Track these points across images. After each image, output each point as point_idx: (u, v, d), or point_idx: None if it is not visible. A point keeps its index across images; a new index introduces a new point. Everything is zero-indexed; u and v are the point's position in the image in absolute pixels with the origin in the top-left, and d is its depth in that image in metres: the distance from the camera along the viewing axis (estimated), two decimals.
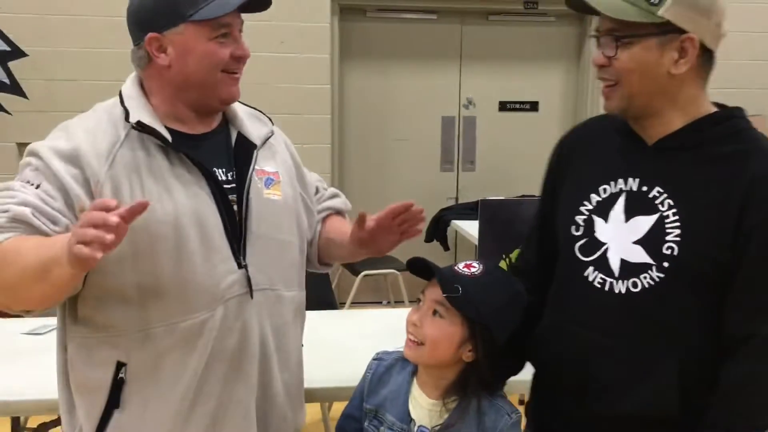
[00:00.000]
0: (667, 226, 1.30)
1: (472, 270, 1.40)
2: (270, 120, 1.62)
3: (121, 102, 1.42)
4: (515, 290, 1.43)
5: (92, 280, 1.36)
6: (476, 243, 3.09)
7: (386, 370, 1.48)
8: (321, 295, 3.23)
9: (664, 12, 1.25)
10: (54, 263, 1.21)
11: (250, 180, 1.47)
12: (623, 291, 1.33)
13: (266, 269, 1.47)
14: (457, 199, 5.34)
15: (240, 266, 1.43)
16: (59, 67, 4.53)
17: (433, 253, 5.03)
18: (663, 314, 1.30)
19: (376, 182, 5.28)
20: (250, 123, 1.55)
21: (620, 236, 1.35)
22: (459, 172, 5.38)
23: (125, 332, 1.38)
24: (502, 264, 2.36)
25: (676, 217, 1.29)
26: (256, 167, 1.49)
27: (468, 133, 5.34)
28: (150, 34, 1.38)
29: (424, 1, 5.02)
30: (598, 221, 1.38)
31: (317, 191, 1.72)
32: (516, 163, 5.27)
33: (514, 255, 2.37)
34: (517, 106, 5.30)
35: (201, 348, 1.39)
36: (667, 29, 1.26)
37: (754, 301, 1.26)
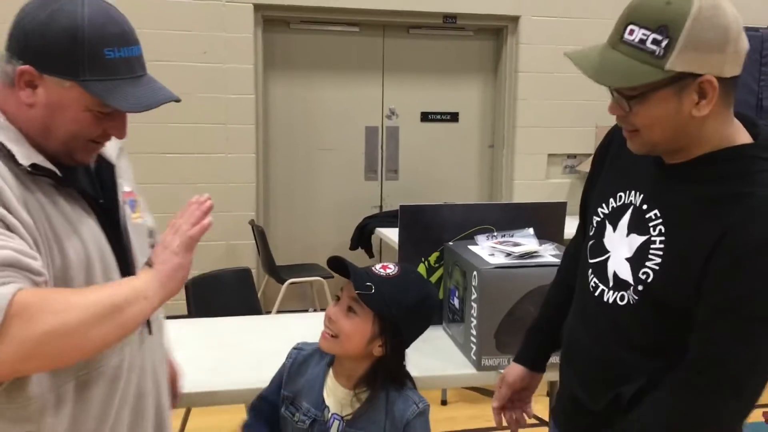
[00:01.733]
0: (650, 250, 1.27)
1: (388, 271, 1.48)
2: None
3: None
4: (427, 292, 1.52)
5: None
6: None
7: (305, 360, 1.56)
8: (246, 302, 3.25)
9: (671, 65, 1.13)
10: (132, 299, 1.14)
11: (122, 207, 1.36)
12: (610, 301, 1.33)
13: None
14: (381, 207, 5.44)
15: None
16: None
17: (358, 261, 5.09)
18: (636, 333, 1.30)
19: (301, 191, 5.32)
20: None
21: (619, 249, 1.33)
22: (383, 180, 5.48)
23: (36, 395, 1.20)
24: (421, 267, 2.46)
25: (662, 245, 1.25)
26: (122, 190, 1.37)
27: (391, 143, 5.46)
28: (25, 67, 1.17)
29: (347, 14, 5.11)
30: (608, 228, 1.37)
31: None
32: (438, 171, 5.42)
33: (432, 258, 2.47)
34: (438, 116, 5.45)
35: (114, 395, 1.29)
36: (681, 77, 1.15)
37: (698, 343, 1.22)
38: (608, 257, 1.35)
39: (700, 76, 1.14)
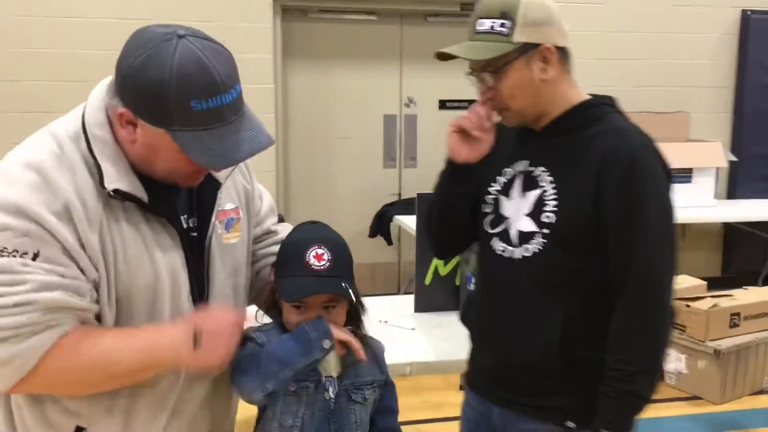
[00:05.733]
0: (546, 199, 1.52)
1: (323, 261, 1.42)
2: None
3: (88, 144, 1.22)
4: (343, 240, 1.48)
5: None
6: None
7: (272, 338, 1.45)
8: None
9: (517, 38, 1.47)
10: (158, 367, 1.24)
11: (213, 227, 1.36)
12: (520, 257, 1.54)
13: None
14: (399, 195, 5.46)
15: None
16: (23, 68, 4.48)
17: (377, 248, 5.14)
18: (548, 274, 1.51)
19: (320, 180, 5.36)
20: None
21: (518, 211, 1.56)
22: (401, 168, 5.51)
23: (88, 403, 1.28)
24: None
25: (554, 191, 1.51)
26: (218, 209, 1.37)
27: (409, 131, 5.47)
28: (125, 110, 1.19)
29: (365, 2, 5.12)
30: (502, 199, 1.60)
31: (265, 216, 1.63)
32: None
33: None
34: (456, 104, 5.46)
35: (164, 411, 1.34)
36: (526, 48, 1.48)
37: (621, 257, 1.45)
38: (509, 222, 1.57)
39: (539, 45, 1.48)
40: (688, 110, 5.50)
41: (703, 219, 5.19)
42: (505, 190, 1.60)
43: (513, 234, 1.56)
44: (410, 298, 2.80)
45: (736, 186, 5.64)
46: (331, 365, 1.48)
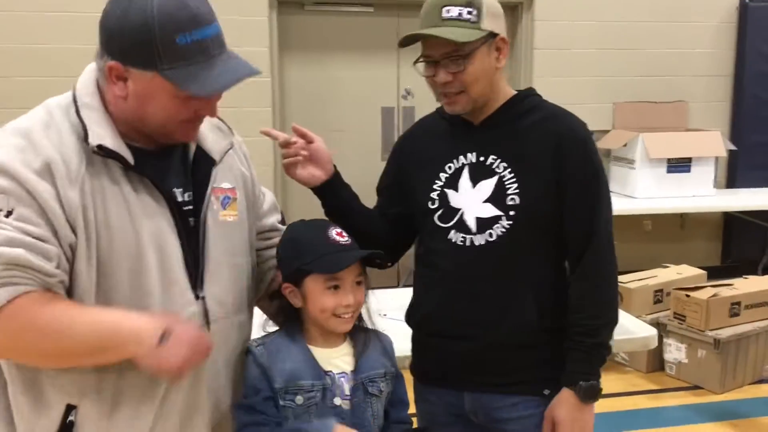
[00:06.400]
0: (506, 183, 1.61)
1: (345, 237, 1.50)
2: (231, 130, 1.53)
3: (77, 111, 1.27)
4: None
5: None
6: None
7: (277, 350, 1.47)
8: None
9: (485, 26, 1.56)
10: (116, 350, 1.20)
11: (208, 201, 1.38)
12: (483, 242, 1.62)
13: (223, 298, 1.40)
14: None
15: (197, 297, 1.35)
16: (16, 65, 4.46)
17: None
18: (516, 254, 1.61)
19: None
20: (210, 135, 1.44)
21: (471, 200, 1.64)
22: None
23: (77, 375, 1.27)
24: None
25: (512, 176, 1.61)
26: (214, 185, 1.40)
27: (407, 123, 5.42)
28: (113, 63, 1.24)
29: None
30: (450, 192, 1.67)
31: (269, 214, 1.67)
32: None
33: None
34: None
35: (159, 383, 1.31)
36: (489, 36, 1.58)
37: (587, 211, 1.61)
38: (462, 213, 1.64)
39: (497, 35, 1.59)
40: (687, 99, 5.49)
41: (703, 208, 5.20)
42: (451, 184, 1.66)
43: (470, 222, 1.63)
44: (409, 291, 2.78)
45: (735, 175, 5.63)
46: (338, 362, 1.50)
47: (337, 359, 1.50)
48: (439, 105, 1.71)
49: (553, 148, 1.60)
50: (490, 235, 1.61)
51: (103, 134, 1.25)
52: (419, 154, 1.74)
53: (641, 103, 5.39)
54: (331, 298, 1.45)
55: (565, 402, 1.60)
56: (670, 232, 5.59)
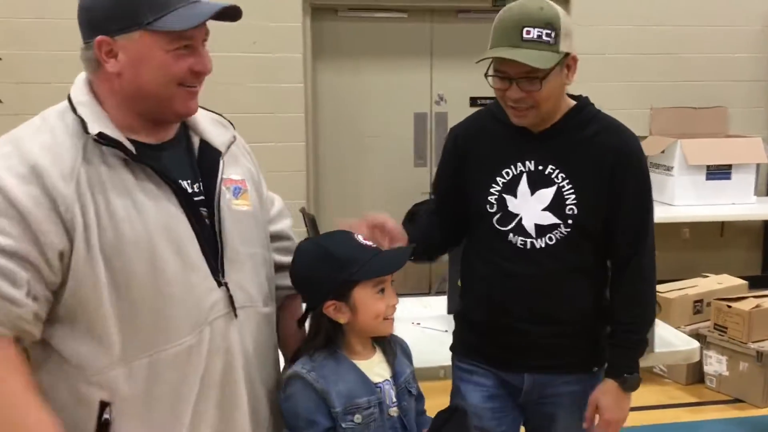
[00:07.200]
0: (564, 194, 1.72)
1: (371, 241, 1.51)
2: (231, 124, 1.52)
3: (73, 109, 1.28)
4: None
5: (80, 318, 1.25)
6: None
7: (325, 374, 1.44)
8: None
9: (562, 48, 1.63)
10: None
11: (220, 191, 1.37)
12: (543, 245, 1.74)
13: (246, 286, 1.39)
14: (430, 194, 5.41)
15: (220, 284, 1.33)
16: (31, 70, 4.53)
17: None
18: (572, 254, 1.75)
19: (350, 179, 5.33)
20: (212, 128, 1.44)
21: (530, 207, 1.74)
22: (432, 167, 5.46)
23: (105, 370, 1.26)
24: None
25: (570, 187, 1.72)
26: (223, 176, 1.39)
27: (440, 129, 5.42)
28: (100, 37, 1.24)
29: (394, 0, 5.09)
30: (508, 198, 1.76)
31: (280, 217, 1.67)
32: None
33: None
34: (487, 101, 5.39)
35: (192, 376, 1.30)
36: (565, 56, 1.64)
37: (638, 223, 1.75)
38: (520, 218, 1.74)
39: (569, 54, 1.65)
40: (726, 105, 5.37)
41: (743, 216, 5.08)
42: (509, 189, 1.76)
43: (529, 228, 1.74)
44: (442, 299, 2.75)
45: None
46: (381, 372, 1.51)
47: (377, 368, 1.50)
48: (476, 108, 1.77)
49: (611, 164, 1.71)
50: (550, 239, 1.74)
51: (102, 125, 1.26)
52: (476, 154, 1.82)
53: (679, 108, 5.29)
54: (382, 302, 1.47)
55: (608, 392, 1.78)
56: (708, 241, 5.47)
